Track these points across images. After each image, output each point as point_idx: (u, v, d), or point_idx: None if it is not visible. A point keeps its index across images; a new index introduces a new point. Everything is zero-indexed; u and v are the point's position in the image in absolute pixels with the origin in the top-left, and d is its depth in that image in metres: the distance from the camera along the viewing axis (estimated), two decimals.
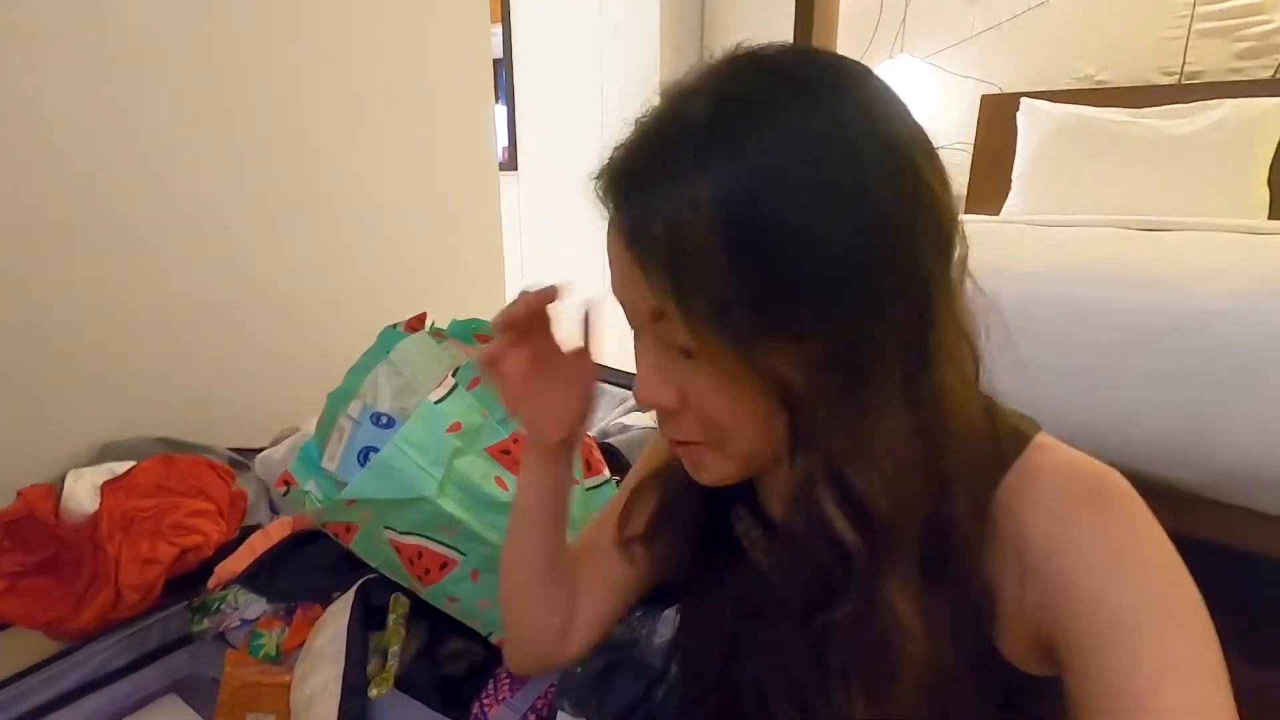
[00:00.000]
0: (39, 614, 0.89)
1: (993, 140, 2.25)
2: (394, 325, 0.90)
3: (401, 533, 0.68)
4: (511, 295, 0.46)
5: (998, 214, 2.10)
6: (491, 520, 0.68)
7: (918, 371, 0.35)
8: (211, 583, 0.89)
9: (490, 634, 0.74)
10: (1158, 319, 0.94)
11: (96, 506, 0.94)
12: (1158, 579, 0.33)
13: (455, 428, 0.69)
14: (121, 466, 1.02)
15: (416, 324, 0.90)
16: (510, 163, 2.91)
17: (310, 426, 1.23)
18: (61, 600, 0.90)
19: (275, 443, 1.26)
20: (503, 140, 2.90)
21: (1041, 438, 0.39)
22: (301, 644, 0.76)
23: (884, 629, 0.35)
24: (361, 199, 1.54)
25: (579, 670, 0.70)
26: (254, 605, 0.83)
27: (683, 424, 0.39)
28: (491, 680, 0.75)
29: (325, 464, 0.79)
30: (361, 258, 1.57)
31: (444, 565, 0.69)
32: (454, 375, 0.73)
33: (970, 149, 2.35)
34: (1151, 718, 0.31)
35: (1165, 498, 0.98)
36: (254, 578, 0.85)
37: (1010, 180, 2.14)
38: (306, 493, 0.73)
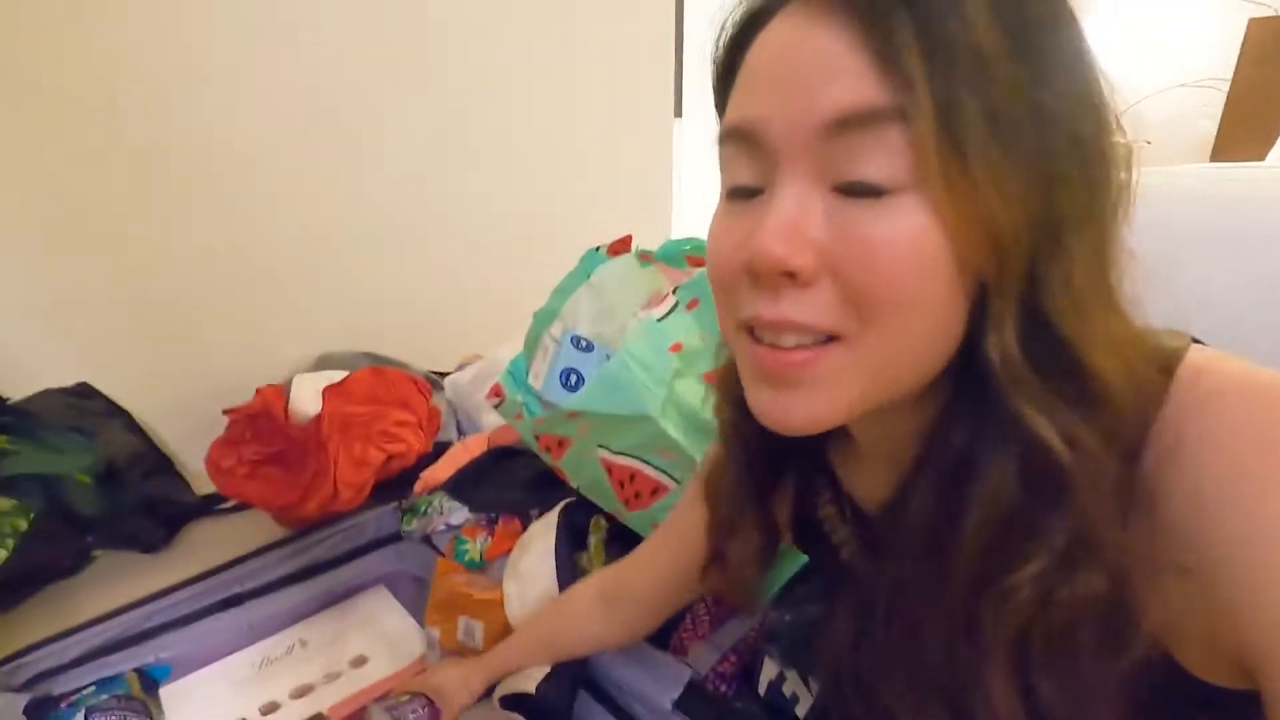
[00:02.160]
0: (272, 499, 0.98)
1: (1260, 74, 1.87)
2: (597, 248, 0.88)
3: (616, 452, 0.66)
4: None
5: (1262, 159, 1.75)
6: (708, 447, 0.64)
7: (1110, 258, 0.29)
8: (418, 488, 0.93)
9: None
10: None
11: (317, 409, 1.01)
12: None
13: (676, 348, 0.65)
14: (338, 375, 1.09)
15: (621, 246, 0.87)
16: (676, 108, 2.84)
17: (496, 355, 1.27)
18: (290, 489, 0.99)
19: (461, 368, 1.32)
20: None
21: (1197, 357, 0.29)
22: (504, 553, 0.77)
23: (1106, 578, 0.27)
24: (542, 137, 1.55)
25: (788, 617, 0.65)
26: (458, 513, 0.85)
27: (817, 300, 0.28)
28: (690, 614, 0.72)
29: (531, 381, 0.79)
30: (542, 194, 1.58)
31: (655, 490, 0.66)
32: (674, 293, 0.68)
33: (1225, 85, 1.96)
34: None
35: None
36: (457, 486, 0.88)
37: (1276, 127, 1.76)
38: (519, 405, 0.73)
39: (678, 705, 0.59)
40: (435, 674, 0.65)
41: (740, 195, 0.31)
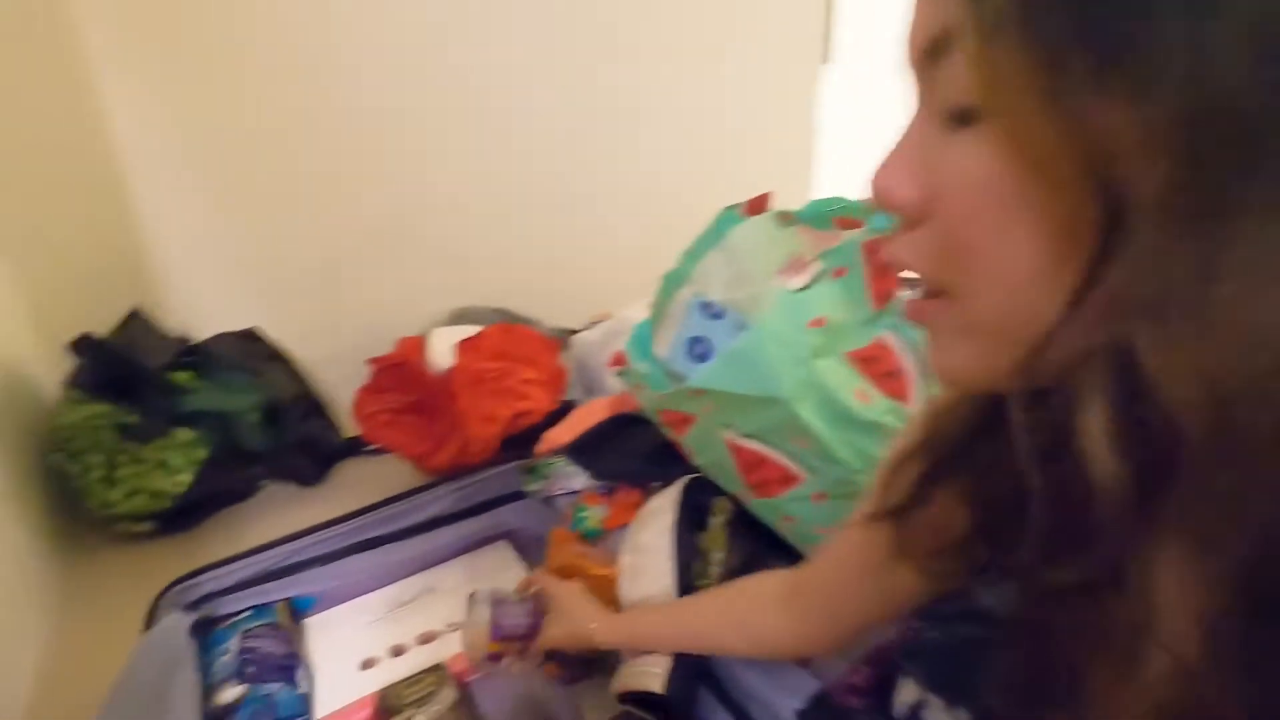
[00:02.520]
0: (408, 447, 1.03)
1: None
2: (732, 207, 0.80)
3: (744, 435, 0.60)
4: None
5: None
6: (849, 439, 0.57)
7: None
8: (540, 448, 0.93)
9: None
10: None
11: (452, 362, 1.04)
12: None
13: (817, 323, 0.57)
14: (471, 330, 1.12)
15: (758, 205, 0.79)
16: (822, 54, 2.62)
17: (625, 314, 1.25)
18: (424, 439, 1.03)
19: (590, 326, 1.31)
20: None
21: None
22: (622, 525, 0.75)
23: (1127, 622, 0.24)
24: (677, 89, 1.47)
25: (935, 634, 0.57)
26: (578, 478, 0.84)
27: (918, 244, 0.27)
28: None
29: (656, 350, 0.75)
30: (676, 148, 1.52)
31: (786, 479, 0.60)
32: (819, 260, 0.60)
33: None
34: None
35: None
36: (578, 451, 0.87)
37: None
38: (641, 376, 0.69)
39: (802, 716, 0.54)
40: (567, 593, 0.64)
41: None
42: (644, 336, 0.75)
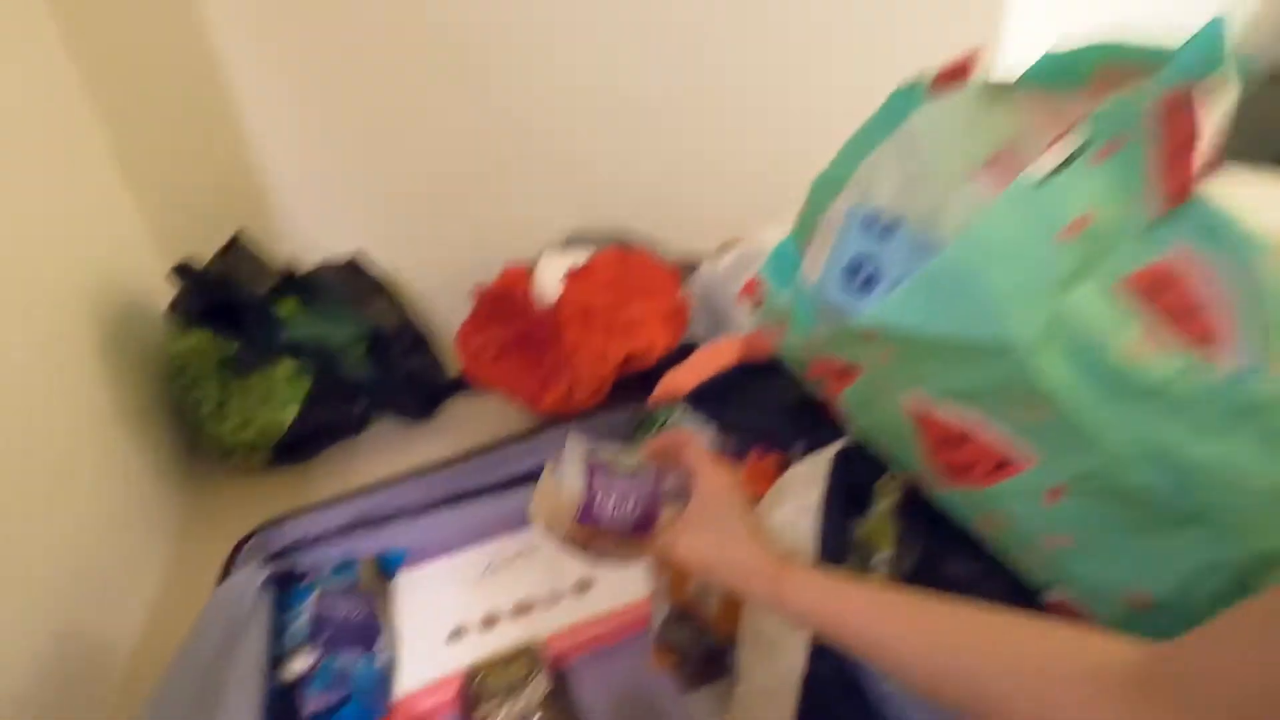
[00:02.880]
0: (514, 386, 0.93)
1: None
2: (915, 82, 0.58)
3: (940, 397, 0.41)
4: None
5: None
6: (1117, 409, 0.36)
7: None
8: (658, 394, 0.79)
9: (1047, 585, 0.45)
10: None
11: (559, 293, 0.91)
12: None
13: (1074, 228, 0.36)
14: (584, 256, 0.98)
15: (955, 74, 0.56)
16: None
17: (760, 239, 1.05)
18: (529, 379, 0.92)
19: (718, 254, 1.13)
20: None
21: None
22: (756, 496, 0.59)
23: None
24: None
25: None
26: (702, 431, 0.69)
27: None
28: None
29: (805, 275, 0.56)
30: (809, 60, 1.25)
31: (1002, 465, 0.40)
32: (1084, 127, 0.38)
33: None
34: None
35: None
36: (701, 399, 0.72)
37: None
38: (783, 311, 0.51)
39: None
40: (725, 488, 0.44)
41: None
42: (787, 258, 0.57)
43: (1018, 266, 0.35)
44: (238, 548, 0.63)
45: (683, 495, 0.45)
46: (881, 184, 0.57)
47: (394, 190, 1.09)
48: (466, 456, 0.77)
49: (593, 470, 0.45)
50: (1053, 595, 0.45)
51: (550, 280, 0.96)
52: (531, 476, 0.77)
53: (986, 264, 0.35)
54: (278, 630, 0.58)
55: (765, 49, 1.22)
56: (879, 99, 0.60)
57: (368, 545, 0.69)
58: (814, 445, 0.58)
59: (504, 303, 0.96)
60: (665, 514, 0.45)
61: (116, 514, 0.72)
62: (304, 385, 0.89)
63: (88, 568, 0.64)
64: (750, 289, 0.56)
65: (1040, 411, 0.37)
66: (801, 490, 0.55)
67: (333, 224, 1.06)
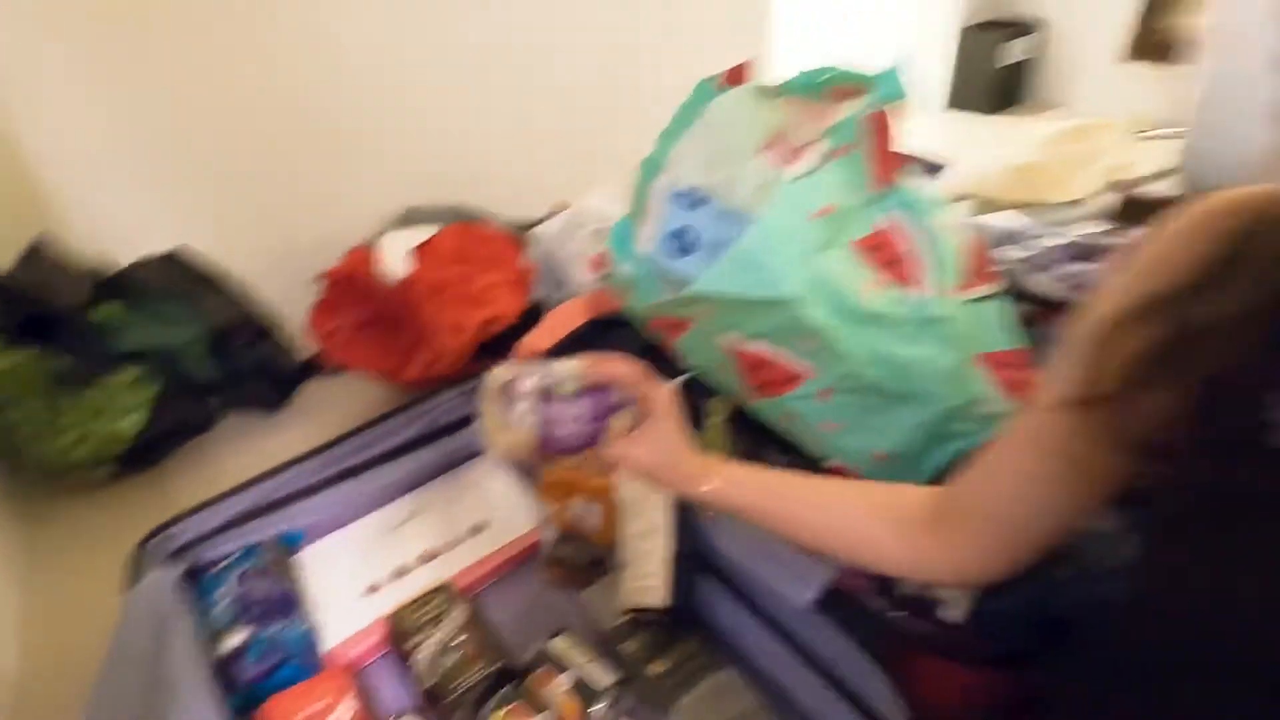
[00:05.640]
0: (375, 363, 0.97)
1: None
2: (709, 79, 0.72)
3: (747, 336, 0.57)
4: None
5: None
6: (856, 332, 0.54)
7: None
8: (517, 357, 0.89)
9: (825, 457, 0.64)
10: None
11: (408, 270, 0.96)
12: None
13: (824, 212, 0.53)
14: (425, 232, 1.03)
15: (738, 75, 0.71)
16: None
17: (585, 203, 1.16)
18: (390, 354, 0.97)
19: (551, 216, 1.23)
20: None
21: None
22: None
23: None
24: None
25: None
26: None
27: None
28: None
29: (640, 246, 0.69)
30: (619, 25, 1.36)
31: (791, 379, 0.58)
32: (824, 138, 0.55)
33: None
34: None
35: None
36: (559, 355, 0.83)
37: None
38: (627, 280, 0.64)
39: (817, 606, 0.55)
40: (665, 404, 0.50)
41: None
42: (625, 234, 0.69)
43: (788, 245, 0.51)
44: (136, 553, 0.65)
45: (624, 407, 0.50)
46: (690, 164, 0.71)
47: (210, 177, 1.05)
48: (347, 436, 0.82)
49: (545, 401, 0.49)
50: (830, 463, 0.64)
51: (395, 258, 1.00)
52: (411, 445, 0.85)
53: (768, 245, 0.51)
54: (201, 617, 0.63)
55: (578, 42, 1.31)
56: (672, 85, 0.74)
57: (266, 530, 0.73)
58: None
59: (353, 284, 0.98)
60: (613, 425, 0.50)
61: None
62: (149, 391, 0.87)
63: None
64: (599, 263, 0.68)
65: (811, 341, 0.54)
66: None
67: (147, 218, 1.00)
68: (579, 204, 1.18)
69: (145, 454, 0.88)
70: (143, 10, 0.91)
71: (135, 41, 0.92)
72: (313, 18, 1.05)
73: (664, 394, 0.51)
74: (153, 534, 0.66)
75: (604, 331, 0.84)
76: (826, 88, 0.62)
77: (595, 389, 0.50)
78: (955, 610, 0.55)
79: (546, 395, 0.50)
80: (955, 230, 0.59)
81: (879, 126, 0.55)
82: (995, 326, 0.59)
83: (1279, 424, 0.29)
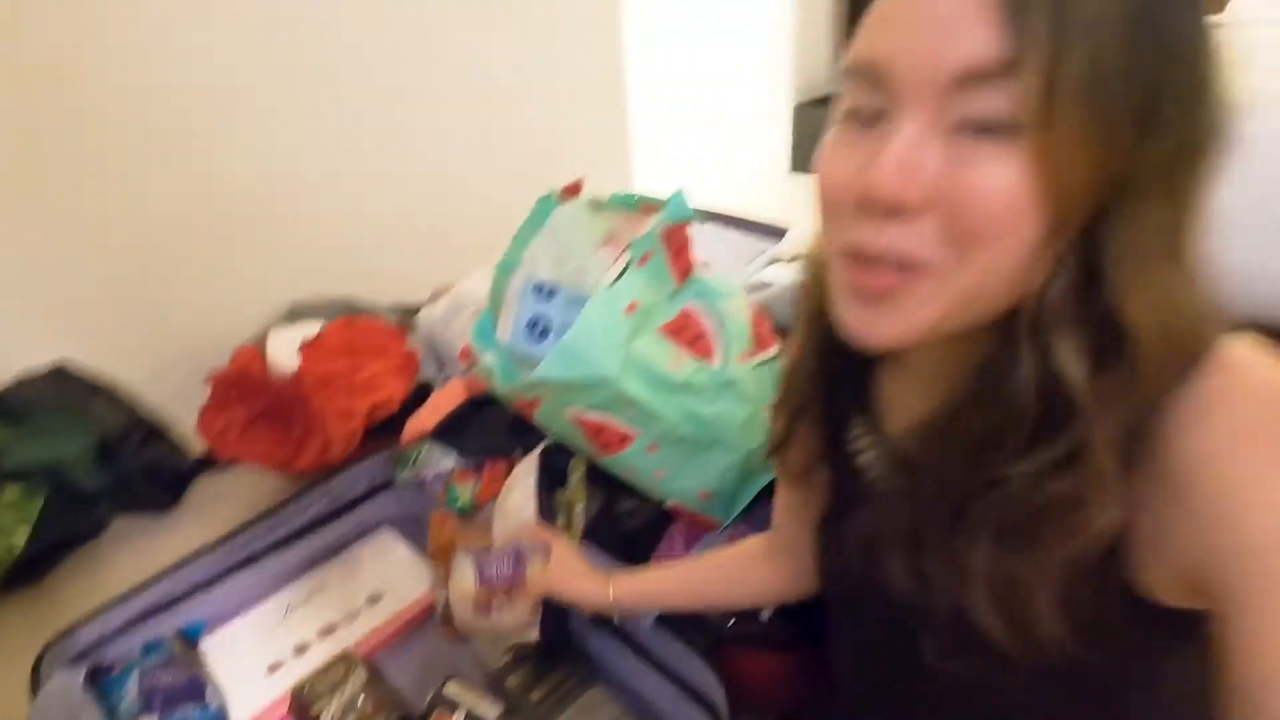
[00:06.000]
0: (268, 456, 1.04)
1: None
2: (549, 194, 0.87)
3: (584, 409, 0.70)
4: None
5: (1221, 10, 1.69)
6: (667, 399, 0.69)
7: (1190, 223, 0.31)
8: (405, 438, 0.98)
9: (664, 500, 0.78)
10: None
11: (296, 364, 1.04)
12: None
13: (632, 307, 0.68)
14: (311, 326, 1.11)
15: (572, 191, 0.87)
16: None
17: (465, 286, 1.28)
18: (282, 446, 1.04)
19: (433, 299, 1.33)
20: None
21: (1240, 350, 0.32)
22: (494, 497, 0.84)
23: (1080, 483, 0.32)
24: (494, 64, 1.48)
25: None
26: (446, 459, 0.91)
27: (917, 231, 0.32)
28: (666, 538, 0.80)
29: (500, 336, 0.82)
30: (493, 112, 1.52)
31: (623, 439, 0.72)
32: (629, 250, 0.70)
33: None
34: None
35: None
36: (443, 434, 0.93)
37: None
38: (490, 369, 0.76)
39: (661, 622, 0.67)
40: (562, 544, 0.69)
41: (858, 120, 0.34)
42: (486, 327, 0.82)
43: (605, 335, 0.66)
44: (38, 661, 0.69)
45: (537, 553, 0.68)
46: (541, 262, 0.85)
47: (91, 287, 1.08)
48: (246, 525, 0.88)
49: (476, 555, 0.68)
50: (669, 504, 0.78)
51: (284, 353, 1.08)
52: (308, 528, 0.92)
53: (588, 338, 0.65)
54: (109, 713, 0.67)
55: (453, 129, 1.45)
56: (537, 176, 0.89)
57: (167, 626, 0.78)
58: (527, 448, 0.85)
59: (242, 381, 1.05)
60: (531, 567, 0.66)
61: None
62: (33, 507, 0.90)
63: None
64: (465, 354, 0.80)
65: (632, 409, 0.69)
66: (523, 480, 0.81)
67: (24, 333, 1.03)
68: (460, 287, 1.29)
69: (32, 568, 0.90)
70: (14, 120, 0.96)
71: (3, 152, 0.96)
72: (185, 123, 1.12)
73: (563, 540, 0.70)
74: (53, 641, 0.71)
75: (481, 408, 0.96)
76: (639, 205, 0.79)
77: (515, 546, 0.68)
78: (766, 611, 0.70)
79: (481, 553, 0.68)
80: (742, 308, 0.76)
81: (673, 236, 0.71)
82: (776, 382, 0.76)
83: (860, 449, 0.46)
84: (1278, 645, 0.30)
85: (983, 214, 0.30)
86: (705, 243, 1.30)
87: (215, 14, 1.10)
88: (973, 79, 0.29)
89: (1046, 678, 0.38)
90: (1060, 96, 0.28)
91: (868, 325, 0.35)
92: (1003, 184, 0.30)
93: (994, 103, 0.29)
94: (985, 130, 0.30)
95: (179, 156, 1.12)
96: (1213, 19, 0.30)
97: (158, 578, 0.80)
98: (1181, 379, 0.32)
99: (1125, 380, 0.31)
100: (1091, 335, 0.31)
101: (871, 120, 0.33)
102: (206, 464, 1.09)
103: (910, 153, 0.30)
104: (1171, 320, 0.31)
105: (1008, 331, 0.33)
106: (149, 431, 1.06)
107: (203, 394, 1.06)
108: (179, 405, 1.08)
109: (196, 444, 1.08)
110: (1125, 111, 0.29)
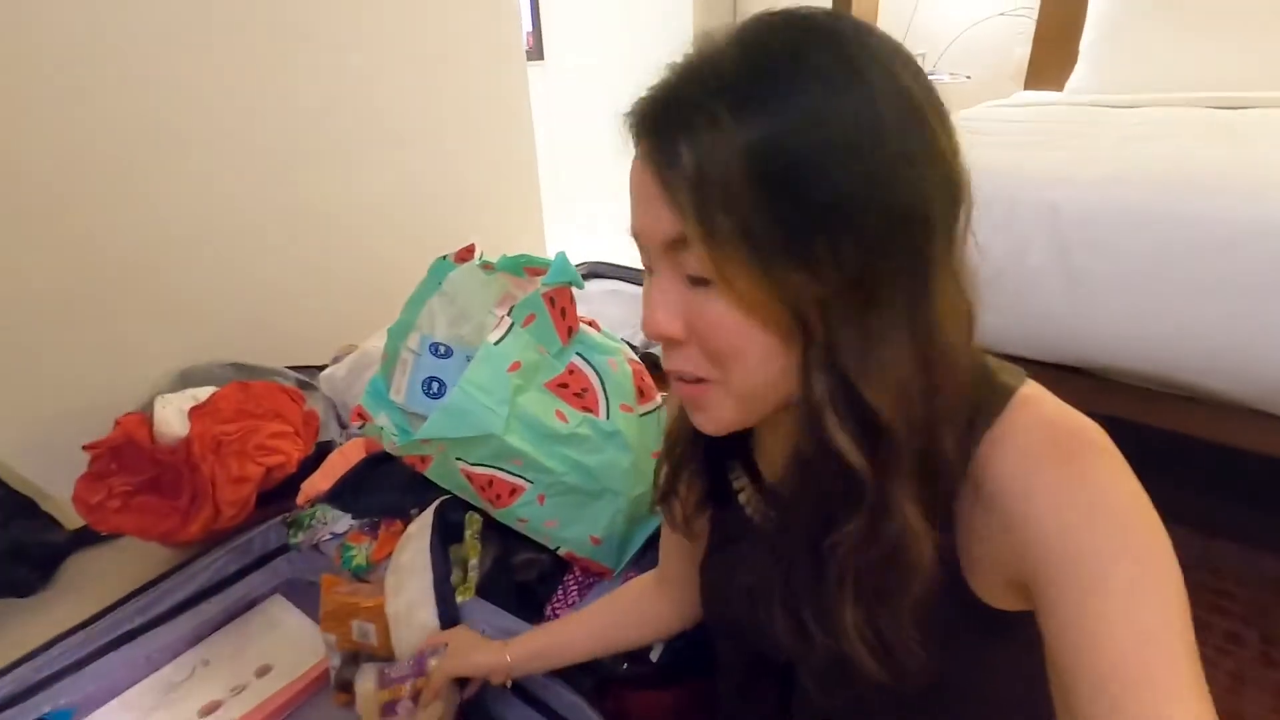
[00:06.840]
0: (151, 527, 0.99)
1: (1061, 6, 2.05)
2: (444, 257, 0.91)
3: (473, 464, 0.73)
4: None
5: (1061, 89, 1.95)
6: (553, 450, 0.73)
7: (919, 308, 0.37)
8: (300, 500, 0.97)
9: (558, 548, 0.81)
10: (1230, 227, 0.90)
11: (185, 430, 1.02)
12: (1116, 519, 0.35)
13: (515, 366, 0.72)
14: (203, 392, 1.09)
15: (466, 255, 0.91)
16: (536, 51, 2.77)
17: (367, 344, 1.29)
18: (168, 515, 1.00)
19: (336, 360, 1.33)
20: (526, 26, 2.73)
21: (1027, 390, 0.40)
22: (387, 556, 0.85)
23: (896, 535, 0.38)
24: (396, 123, 1.52)
25: None
26: (341, 521, 0.91)
27: (688, 355, 0.40)
28: (561, 586, 0.83)
29: (393, 396, 0.84)
30: (397, 175, 1.56)
31: (513, 491, 0.75)
32: (510, 314, 0.75)
33: (1034, 15, 2.14)
34: (1101, 645, 0.33)
35: (1224, 411, 0.97)
36: (338, 496, 0.93)
37: (1077, 52, 1.96)
38: (381, 428, 0.78)
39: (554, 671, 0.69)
40: (457, 632, 0.71)
41: (647, 271, 0.42)
42: (379, 389, 0.84)
43: (489, 393, 0.69)
44: None
45: (437, 655, 0.69)
46: (437, 322, 0.88)
47: None
48: (122, 601, 0.85)
49: (380, 666, 0.70)
50: (562, 551, 0.81)
51: (172, 420, 1.05)
52: (195, 599, 0.89)
53: (475, 394, 0.68)
54: None
55: (357, 193, 1.47)
56: (441, 237, 0.92)
57: (31, 713, 0.74)
58: (423, 505, 0.87)
59: (125, 449, 1.01)
60: (431, 662, 0.69)
61: None
62: None
63: None
64: (359, 415, 0.82)
65: (520, 460, 0.72)
66: (418, 536, 0.83)
67: None
68: (364, 347, 1.30)
69: None
70: None
71: None
72: (62, 192, 1.09)
73: (460, 630, 0.73)
74: None
75: (377, 466, 0.96)
76: (525, 266, 0.84)
77: (418, 653, 0.71)
78: (656, 652, 0.73)
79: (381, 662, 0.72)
80: (623, 362, 0.82)
81: (557, 297, 0.77)
82: (659, 430, 0.81)
83: (739, 488, 0.52)
84: (1075, 615, 0.35)
85: (722, 340, 0.38)
86: (602, 297, 1.37)
87: (108, 74, 1.09)
88: (673, 248, 0.37)
89: (914, 695, 0.43)
90: (721, 257, 0.35)
91: (696, 421, 0.44)
92: (725, 320, 0.37)
93: (692, 262, 0.37)
94: (699, 281, 0.38)
95: (56, 227, 1.09)
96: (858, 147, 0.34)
97: (18, 662, 0.76)
98: (970, 426, 0.39)
99: (897, 454, 0.37)
100: (856, 423, 0.37)
101: (649, 272, 0.41)
102: (84, 538, 1.03)
103: (661, 299, 0.39)
104: (911, 406, 0.36)
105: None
106: (18, 507, 1.00)
107: (82, 466, 1.02)
108: (58, 478, 1.03)
109: (73, 518, 1.03)
110: (785, 257, 0.34)
